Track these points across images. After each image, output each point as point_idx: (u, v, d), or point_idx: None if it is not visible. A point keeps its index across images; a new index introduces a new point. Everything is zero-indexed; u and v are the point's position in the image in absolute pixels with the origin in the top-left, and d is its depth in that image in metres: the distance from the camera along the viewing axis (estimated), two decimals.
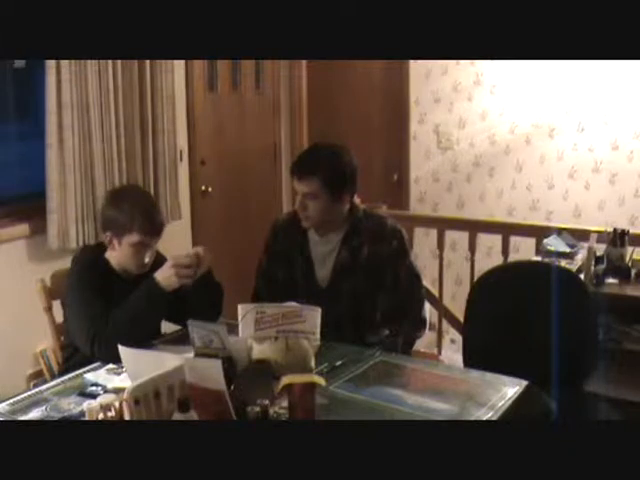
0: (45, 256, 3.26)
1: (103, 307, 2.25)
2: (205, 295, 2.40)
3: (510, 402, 1.96)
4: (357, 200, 4.05)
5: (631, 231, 3.22)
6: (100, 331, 2.21)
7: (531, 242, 3.74)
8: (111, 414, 1.74)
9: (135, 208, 2.34)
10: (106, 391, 2.00)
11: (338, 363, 2.20)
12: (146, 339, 2.30)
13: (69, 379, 2.15)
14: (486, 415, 1.89)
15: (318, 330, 2.08)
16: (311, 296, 2.39)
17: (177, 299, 2.35)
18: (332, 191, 2.47)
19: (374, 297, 2.56)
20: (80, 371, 2.18)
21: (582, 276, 3.00)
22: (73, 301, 2.33)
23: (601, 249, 3.15)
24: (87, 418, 1.78)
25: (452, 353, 4.05)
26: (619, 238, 3.13)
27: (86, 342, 2.23)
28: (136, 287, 2.30)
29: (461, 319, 2.94)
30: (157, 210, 2.43)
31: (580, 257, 3.25)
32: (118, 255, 2.37)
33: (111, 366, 2.16)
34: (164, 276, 2.28)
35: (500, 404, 1.95)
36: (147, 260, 2.36)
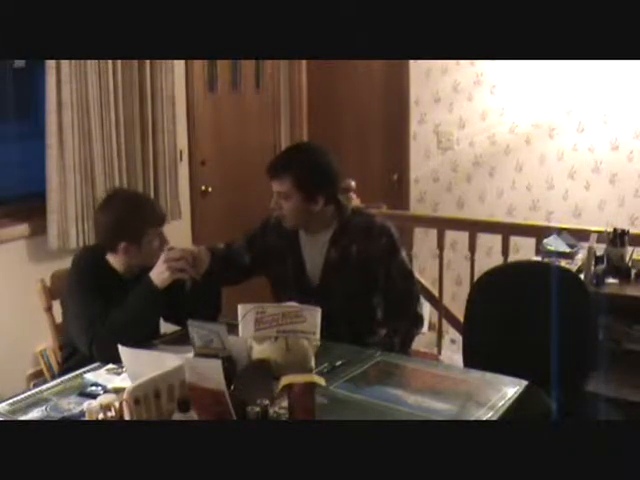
0: (45, 256, 3.26)
1: (102, 308, 2.25)
2: (203, 296, 2.40)
3: (510, 402, 1.96)
4: (356, 200, 4.08)
5: (631, 231, 3.22)
6: (99, 332, 2.20)
7: (531, 242, 3.74)
8: (111, 414, 1.74)
9: (138, 206, 2.36)
10: (106, 391, 1.99)
11: (338, 363, 2.20)
12: (146, 339, 2.30)
13: (69, 379, 2.15)
14: (486, 415, 1.89)
15: (318, 330, 2.08)
16: (303, 294, 2.39)
17: (175, 299, 2.35)
18: (305, 191, 2.44)
19: (368, 296, 2.56)
20: (80, 371, 2.18)
21: (582, 276, 3.00)
22: (72, 302, 2.33)
23: (601, 249, 3.15)
24: (87, 418, 1.78)
25: (452, 353, 4.05)
26: (619, 238, 3.12)
27: (85, 343, 2.23)
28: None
29: (461, 319, 2.94)
30: (152, 198, 2.45)
31: (580, 257, 3.25)
32: (139, 258, 2.35)
33: (111, 366, 2.16)
34: (157, 272, 2.28)
35: (500, 404, 1.95)
36: (166, 246, 2.36)
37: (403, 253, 2.59)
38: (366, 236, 2.52)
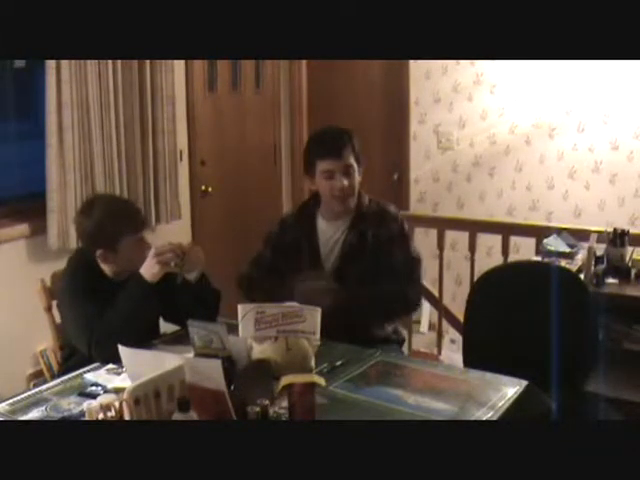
0: (45, 256, 3.26)
1: (98, 309, 2.24)
2: (200, 300, 2.38)
3: (510, 402, 1.96)
4: None
5: (631, 231, 3.21)
6: (97, 332, 2.20)
7: (531, 242, 3.74)
8: (111, 414, 1.73)
9: (113, 213, 2.34)
10: (106, 391, 2.00)
11: (338, 363, 2.20)
12: (146, 339, 2.30)
13: (69, 379, 2.15)
14: (486, 415, 1.88)
15: (318, 330, 2.08)
16: (316, 280, 2.42)
17: (170, 296, 2.34)
18: (360, 163, 2.58)
19: (383, 283, 2.55)
20: (80, 371, 2.17)
21: (582, 276, 3.00)
22: (67, 303, 2.33)
23: (601, 249, 3.15)
24: (87, 418, 1.78)
25: (452, 353, 4.05)
26: (619, 238, 3.12)
27: (84, 343, 2.23)
28: None
29: (461, 319, 2.94)
30: (131, 203, 2.46)
31: (580, 257, 3.25)
32: (119, 264, 2.35)
33: (111, 366, 2.16)
34: (146, 267, 2.27)
35: (500, 404, 1.95)
36: (147, 252, 2.35)
37: (412, 241, 2.66)
38: (380, 222, 2.59)
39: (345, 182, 2.53)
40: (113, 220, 2.33)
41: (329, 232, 2.62)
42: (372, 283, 2.54)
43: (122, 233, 2.32)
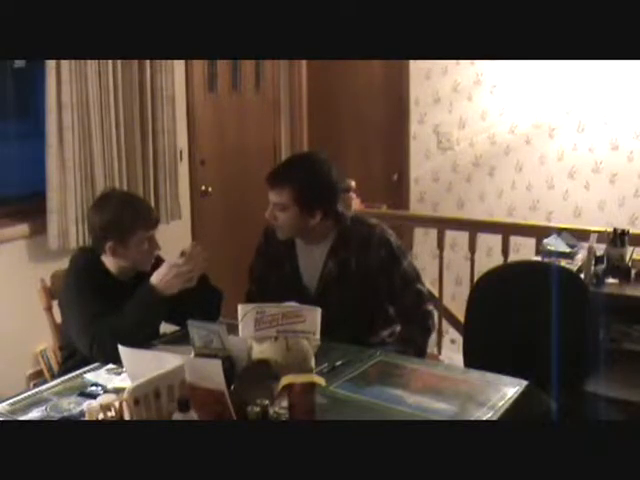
0: (45, 256, 3.26)
1: (101, 307, 2.23)
2: (201, 300, 2.38)
3: (510, 402, 1.96)
4: (357, 200, 4.08)
5: (631, 231, 3.22)
6: (99, 333, 2.19)
7: (531, 242, 3.74)
8: (111, 414, 1.73)
9: (130, 206, 2.35)
10: (106, 391, 2.00)
11: (338, 363, 2.20)
12: (146, 339, 2.30)
13: (69, 379, 2.15)
14: (486, 415, 1.88)
15: (318, 330, 2.08)
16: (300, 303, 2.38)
17: (174, 301, 2.34)
18: (302, 204, 2.40)
19: (368, 305, 2.54)
20: (80, 371, 2.17)
21: (582, 276, 3.00)
22: (71, 302, 2.32)
23: (601, 249, 3.15)
24: (87, 418, 1.78)
25: (452, 353, 4.05)
26: (619, 238, 3.12)
27: (85, 343, 2.22)
28: (134, 289, 2.29)
29: (461, 319, 2.94)
30: (146, 201, 2.44)
31: (580, 257, 3.25)
32: (126, 259, 2.34)
33: (111, 366, 2.16)
34: (163, 282, 2.24)
35: (500, 404, 1.94)
36: (156, 252, 2.35)
37: (406, 260, 2.55)
38: (365, 248, 2.48)
39: (273, 215, 2.44)
40: (131, 212, 2.33)
41: (309, 255, 2.55)
42: (358, 308, 2.51)
43: (137, 227, 2.31)
